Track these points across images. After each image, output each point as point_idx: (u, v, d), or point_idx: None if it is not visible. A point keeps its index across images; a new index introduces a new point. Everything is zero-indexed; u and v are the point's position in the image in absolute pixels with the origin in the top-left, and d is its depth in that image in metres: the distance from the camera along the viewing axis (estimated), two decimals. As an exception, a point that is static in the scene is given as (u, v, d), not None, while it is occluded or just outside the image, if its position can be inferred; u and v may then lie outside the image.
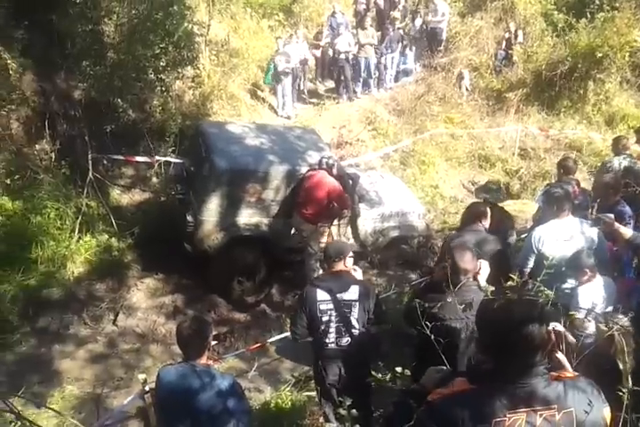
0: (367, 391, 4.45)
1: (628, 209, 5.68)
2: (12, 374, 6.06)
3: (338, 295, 4.41)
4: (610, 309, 4.43)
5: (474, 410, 1.88)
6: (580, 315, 4.10)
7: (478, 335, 2.11)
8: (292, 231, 7.63)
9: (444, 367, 2.73)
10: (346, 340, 4.47)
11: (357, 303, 4.41)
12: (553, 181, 8.13)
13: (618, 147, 7.32)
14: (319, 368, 4.67)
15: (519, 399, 1.88)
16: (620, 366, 3.35)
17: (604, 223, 4.92)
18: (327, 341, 4.49)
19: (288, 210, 7.51)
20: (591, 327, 4.13)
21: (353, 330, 4.44)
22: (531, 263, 5.01)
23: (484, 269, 4.14)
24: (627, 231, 4.86)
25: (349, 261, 4.58)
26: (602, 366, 3.16)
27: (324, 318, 4.43)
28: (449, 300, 3.62)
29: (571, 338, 3.43)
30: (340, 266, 4.50)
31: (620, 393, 2.53)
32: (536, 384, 1.89)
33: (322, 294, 4.43)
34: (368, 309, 4.44)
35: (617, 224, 4.83)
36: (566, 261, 4.84)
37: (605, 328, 3.29)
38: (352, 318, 4.42)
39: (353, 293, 4.43)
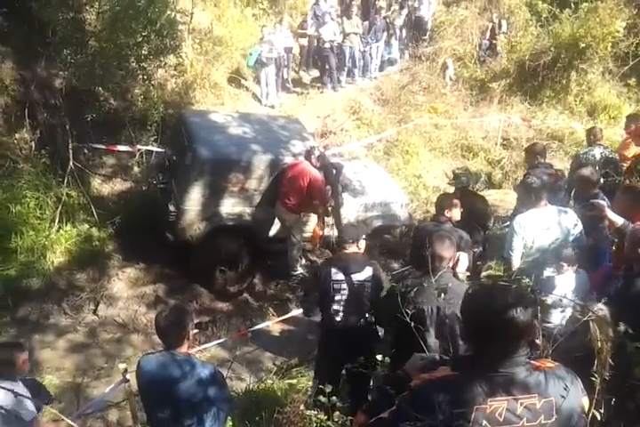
0: (366, 376, 4.46)
1: (606, 201, 5.74)
2: (-9, 364, 6.03)
3: (352, 275, 4.57)
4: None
5: (454, 396, 1.88)
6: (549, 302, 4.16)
7: (462, 323, 2.11)
8: (275, 221, 7.63)
9: (429, 354, 2.76)
10: (354, 319, 4.61)
11: (370, 284, 4.57)
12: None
13: (596, 137, 7.37)
14: (324, 345, 4.85)
15: (500, 387, 1.89)
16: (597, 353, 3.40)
17: (595, 209, 4.93)
18: (337, 319, 4.65)
19: (271, 199, 7.52)
20: (555, 318, 4.20)
21: (364, 308, 4.59)
22: (519, 251, 5.02)
23: (463, 260, 4.20)
24: (618, 219, 4.85)
25: (362, 243, 4.76)
26: (575, 354, 3.22)
27: (337, 297, 4.60)
28: (425, 285, 3.66)
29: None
30: (354, 248, 4.67)
31: (594, 379, 2.57)
32: (518, 373, 1.90)
33: (336, 274, 4.58)
34: (380, 290, 4.60)
35: (609, 211, 4.85)
36: (546, 250, 4.92)
37: (580, 316, 3.32)
38: (364, 298, 4.58)
39: (367, 273, 4.58)
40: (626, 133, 8.01)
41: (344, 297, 4.60)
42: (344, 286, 4.58)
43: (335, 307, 4.62)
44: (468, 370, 1.95)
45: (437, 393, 1.90)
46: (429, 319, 3.65)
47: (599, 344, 3.26)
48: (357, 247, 4.72)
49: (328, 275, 4.62)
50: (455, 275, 3.91)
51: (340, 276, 4.59)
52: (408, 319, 3.23)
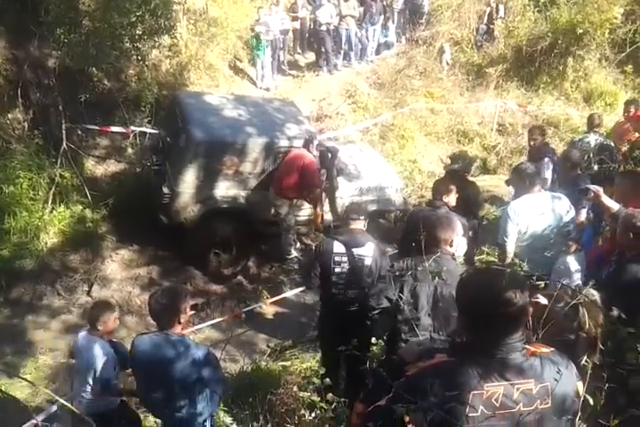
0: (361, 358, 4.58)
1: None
2: (-16, 344, 6.05)
3: (353, 249, 4.70)
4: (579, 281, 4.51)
5: (450, 381, 1.88)
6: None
7: (458, 308, 2.06)
8: (269, 205, 7.63)
9: (426, 341, 2.76)
10: (352, 292, 4.73)
11: (370, 259, 4.70)
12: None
13: (593, 124, 7.37)
14: (324, 318, 5.06)
15: (496, 372, 1.88)
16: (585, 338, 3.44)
17: (591, 194, 4.94)
18: (335, 291, 4.80)
19: (267, 183, 7.50)
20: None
21: (362, 283, 4.68)
22: (513, 237, 5.06)
23: (462, 244, 4.20)
24: (613, 204, 4.86)
25: (364, 222, 4.90)
26: (566, 337, 3.25)
27: (337, 270, 4.74)
28: (422, 266, 3.67)
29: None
30: (357, 224, 4.81)
31: (585, 364, 2.59)
32: (514, 358, 1.90)
33: (338, 247, 4.73)
34: (380, 266, 4.68)
35: (604, 196, 4.86)
36: (539, 236, 4.96)
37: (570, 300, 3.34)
38: (363, 273, 4.71)
39: (368, 249, 4.72)
40: (624, 118, 7.98)
41: (344, 270, 4.74)
42: (344, 258, 4.72)
43: (334, 279, 4.77)
44: (464, 356, 1.94)
45: (434, 379, 1.89)
46: (424, 299, 3.67)
47: (589, 328, 3.29)
48: (362, 225, 4.86)
49: (330, 247, 4.76)
50: (453, 258, 3.92)
51: (342, 249, 4.72)
52: (402, 302, 3.25)
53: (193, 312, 3.86)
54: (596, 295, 3.54)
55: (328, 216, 7.86)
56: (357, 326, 4.47)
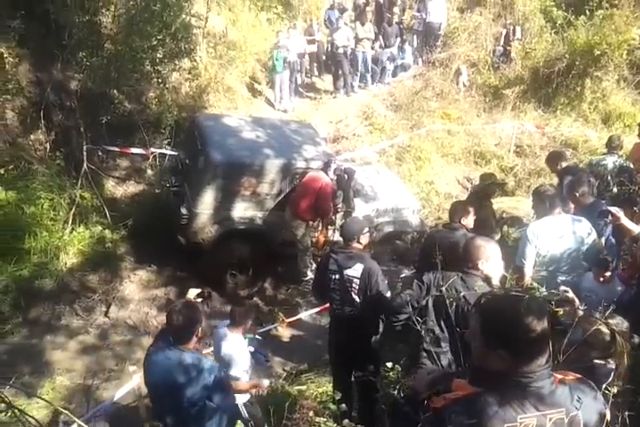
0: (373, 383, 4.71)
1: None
2: (2, 365, 6.07)
3: (343, 270, 4.78)
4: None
5: (482, 415, 1.81)
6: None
7: (474, 334, 2.01)
8: (285, 226, 7.65)
9: (435, 368, 2.72)
10: (349, 309, 4.81)
11: (359, 281, 4.72)
12: (547, 179, 8.16)
13: (612, 145, 7.31)
14: (331, 330, 5.15)
15: (530, 403, 1.84)
16: (612, 366, 3.38)
17: (611, 217, 4.88)
18: (334, 306, 4.95)
19: (284, 205, 7.55)
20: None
21: (354, 302, 4.76)
22: (531, 260, 4.99)
23: (498, 269, 4.12)
24: (634, 227, 4.81)
25: (365, 238, 4.90)
26: (585, 363, 3.19)
27: (332, 286, 4.86)
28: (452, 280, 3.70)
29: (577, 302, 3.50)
30: (353, 244, 4.84)
31: (607, 392, 2.54)
32: (545, 387, 1.86)
33: (332, 265, 4.84)
34: (370, 287, 4.70)
35: (624, 219, 4.79)
36: (559, 259, 4.90)
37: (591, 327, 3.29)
38: (352, 292, 4.74)
39: (356, 270, 4.74)
40: None
41: (337, 287, 4.84)
42: (337, 276, 4.82)
43: (332, 295, 4.90)
44: (495, 386, 1.88)
45: (467, 414, 1.83)
46: (443, 312, 3.63)
47: (620, 356, 3.24)
48: (358, 243, 4.87)
49: (326, 264, 4.90)
50: (485, 280, 3.88)
51: (335, 267, 4.82)
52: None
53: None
54: (625, 323, 3.48)
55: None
56: (362, 343, 4.73)
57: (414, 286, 3.98)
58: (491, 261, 3.95)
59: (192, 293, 4.38)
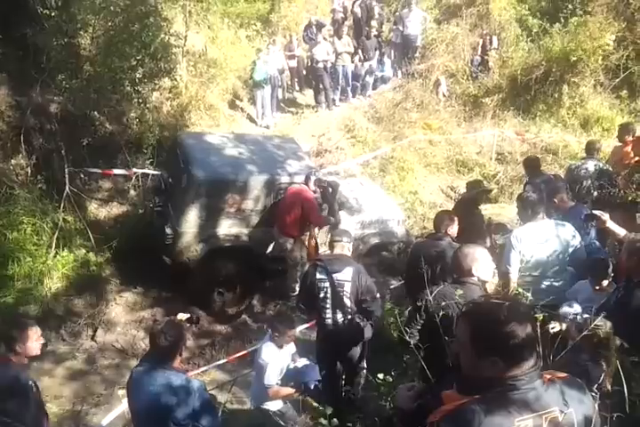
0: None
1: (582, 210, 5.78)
2: (-11, 393, 5.95)
3: (333, 275, 5.01)
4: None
5: (482, 423, 1.81)
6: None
7: (472, 346, 1.96)
8: (273, 242, 7.63)
9: (414, 384, 2.70)
10: (340, 316, 5.06)
11: (350, 283, 4.99)
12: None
13: (591, 149, 7.39)
14: (320, 342, 5.38)
15: (525, 405, 1.84)
16: (604, 367, 3.39)
17: (597, 220, 4.91)
18: (324, 316, 5.12)
19: (270, 220, 7.52)
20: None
21: (345, 307, 5.02)
22: (515, 265, 5.04)
23: (490, 271, 4.16)
24: (619, 230, 4.84)
25: (349, 246, 5.26)
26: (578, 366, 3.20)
27: (321, 295, 5.05)
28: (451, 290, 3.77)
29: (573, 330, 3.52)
30: (340, 248, 5.17)
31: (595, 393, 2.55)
32: (537, 388, 1.87)
33: (320, 273, 5.08)
34: (360, 289, 4.99)
35: (610, 222, 4.83)
36: (545, 263, 4.96)
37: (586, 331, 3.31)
38: (344, 296, 5.00)
39: (346, 273, 5.01)
40: (624, 143, 7.97)
41: (328, 295, 5.04)
42: (326, 284, 5.03)
43: (321, 304, 5.09)
44: (488, 393, 1.88)
45: (462, 423, 1.83)
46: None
47: (608, 358, 3.26)
48: (345, 250, 5.19)
49: (313, 274, 5.13)
50: (480, 286, 3.92)
51: (323, 275, 5.05)
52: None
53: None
54: (608, 324, 3.50)
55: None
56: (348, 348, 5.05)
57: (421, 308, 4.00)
58: (482, 264, 4.01)
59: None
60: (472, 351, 1.95)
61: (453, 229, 5.52)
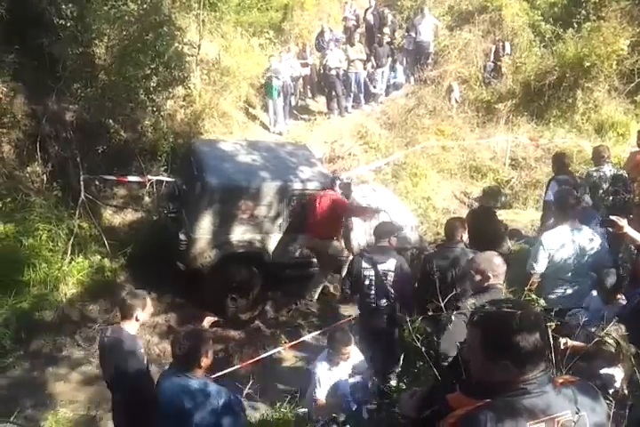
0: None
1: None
2: (5, 399, 6.00)
3: (378, 265, 5.47)
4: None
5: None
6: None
7: (483, 351, 1.96)
8: (298, 248, 7.77)
9: (416, 389, 2.69)
10: (384, 301, 5.52)
11: (392, 273, 5.46)
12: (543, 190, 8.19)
13: (603, 156, 7.31)
14: (363, 322, 5.86)
15: (538, 409, 1.84)
16: (619, 372, 3.36)
17: (614, 226, 4.84)
18: (368, 300, 5.60)
19: (298, 227, 7.63)
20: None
21: (389, 294, 5.49)
22: (542, 266, 5.03)
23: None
24: (638, 236, 4.78)
25: (394, 240, 5.75)
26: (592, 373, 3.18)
27: (366, 282, 5.52)
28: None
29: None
30: (384, 242, 5.62)
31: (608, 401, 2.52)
32: (549, 391, 1.87)
33: (365, 263, 5.53)
34: (403, 278, 5.49)
35: (628, 227, 4.77)
36: (560, 268, 4.92)
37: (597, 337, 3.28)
38: (387, 284, 5.46)
39: (390, 264, 5.48)
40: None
41: (372, 282, 5.49)
42: (372, 272, 5.49)
43: (366, 291, 5.55)
44: (500, 396, 1.88)
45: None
46: None
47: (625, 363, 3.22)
48: (388, 243, 5.62)
49: (359, 263, 5.58)
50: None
51: (368, 264, 5.50)
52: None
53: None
54: (621, 329, 3.48)
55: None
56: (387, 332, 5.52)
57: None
58: (500, 269, 4.11)
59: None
60: (483, 357, 1.95)
61: (465, 236, 5.51)
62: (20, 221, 7.51)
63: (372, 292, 5.53)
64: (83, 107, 8.83)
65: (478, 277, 4.08)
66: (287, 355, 7.07)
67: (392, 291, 5.48)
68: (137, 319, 4.29)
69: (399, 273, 5.46)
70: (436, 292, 3.88)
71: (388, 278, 5.47)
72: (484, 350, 1.95)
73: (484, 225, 6.24)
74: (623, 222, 4.73)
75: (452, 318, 3.61)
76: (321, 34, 14.20)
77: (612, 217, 4.90)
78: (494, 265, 4.08)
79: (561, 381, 1.98)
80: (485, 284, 4.04)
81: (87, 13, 8.84)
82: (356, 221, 8.04)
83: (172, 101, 10.20)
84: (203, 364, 3.57)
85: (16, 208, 7.69)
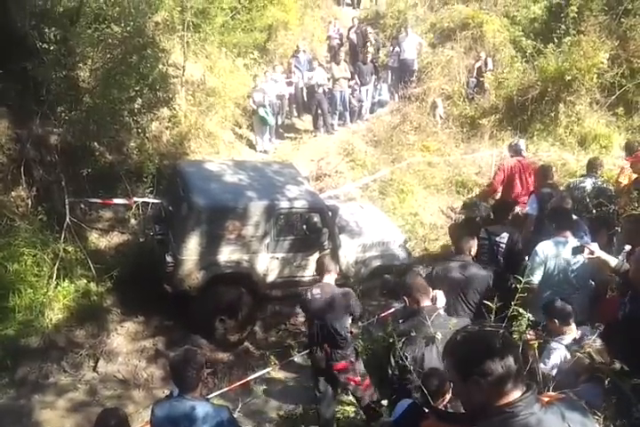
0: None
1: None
2: (-10, 428, 5.91)
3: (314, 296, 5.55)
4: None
5: None
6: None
7: (456, 372, 1.99)
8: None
9: (387, 420, 2.71)
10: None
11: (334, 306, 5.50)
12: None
13: (592, 167, 7.40)
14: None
15: None
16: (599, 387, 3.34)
17: (586, 251, 4.82)
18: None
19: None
20: (554, 359, 4.12)
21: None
22: (538, 277, 5.06)
23: (440, 297, 4.44)
24: (610, 259, 4.77)
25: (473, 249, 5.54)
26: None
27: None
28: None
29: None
30: (325, 279, 5.69)
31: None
32: (537, 412, 1.85)
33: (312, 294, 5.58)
34: (350, 311, 5.60)
35: (599, 251, 4.78)
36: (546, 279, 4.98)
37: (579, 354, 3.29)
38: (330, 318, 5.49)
39: (325, 296, 5.52)
40: (627, 160, 8.05)
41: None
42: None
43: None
44: (487, 420, 1.87)
45: None
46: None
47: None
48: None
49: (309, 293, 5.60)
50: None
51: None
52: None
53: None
54: (597, 342, 3.50)
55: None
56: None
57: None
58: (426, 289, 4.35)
59: None
60: (459, 377, 1.97)
61: (474, 249, 5.53)
62: (5, 247, 7.42)
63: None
64: (67, 130, 8.78)
65: (408, 301, 4.23)
66: (277, 376, 7.01)
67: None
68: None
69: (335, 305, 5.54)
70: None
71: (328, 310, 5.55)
72: (457, 370, 1.98)
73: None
74: (594, 247, 4.78)
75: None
76: (294, 55, 14.32)
77: (583, 244, 4.93)
78: (420, 286, 4.24)
79: (547, 399, 1.96)
80: (416, 306, 4.15)
81: (71, 37, 8.87)
82: (344, 238, 8.04)
83: (157, 123, 10.20)
84: (201, 381, 3.59)
85: (0, 233, 7.60)
